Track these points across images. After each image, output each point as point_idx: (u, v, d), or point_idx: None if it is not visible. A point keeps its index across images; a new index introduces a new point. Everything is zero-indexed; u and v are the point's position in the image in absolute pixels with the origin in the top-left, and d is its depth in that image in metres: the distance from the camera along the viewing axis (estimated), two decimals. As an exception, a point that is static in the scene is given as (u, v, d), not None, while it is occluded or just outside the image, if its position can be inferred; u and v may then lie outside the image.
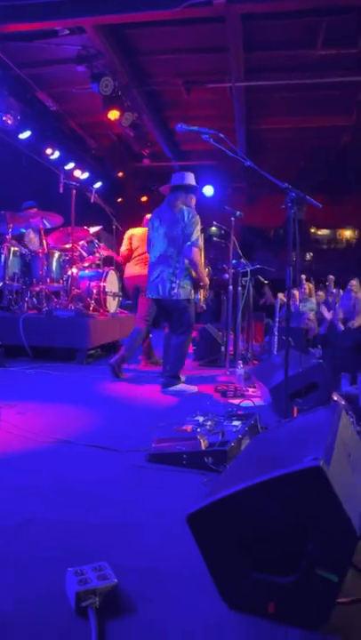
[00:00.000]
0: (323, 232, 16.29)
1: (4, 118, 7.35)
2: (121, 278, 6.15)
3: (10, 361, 5.07)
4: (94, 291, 6.07)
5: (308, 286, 8.74)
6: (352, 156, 10.76)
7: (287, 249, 2.82)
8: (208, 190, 9.88)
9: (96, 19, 5.95)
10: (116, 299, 6.58)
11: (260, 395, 3.78)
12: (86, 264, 6.45)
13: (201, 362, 5.72)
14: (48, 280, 5.99)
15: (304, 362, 3.30)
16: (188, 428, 2.63)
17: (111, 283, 6.34)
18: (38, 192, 7.97)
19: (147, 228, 5.20)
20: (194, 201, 4.06)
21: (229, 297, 5.24)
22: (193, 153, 11.41)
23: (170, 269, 3.90)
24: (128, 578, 1.31)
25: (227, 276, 5.45)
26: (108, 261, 7.07)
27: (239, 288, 5.47)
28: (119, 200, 12.53)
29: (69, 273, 6.02)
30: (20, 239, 6.27)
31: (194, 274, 3.93)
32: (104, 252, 6.68)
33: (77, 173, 9.89)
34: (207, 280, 4.22)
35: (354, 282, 7.79)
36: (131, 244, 5.23)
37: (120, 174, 11.81)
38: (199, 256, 3.92)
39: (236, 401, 3.62)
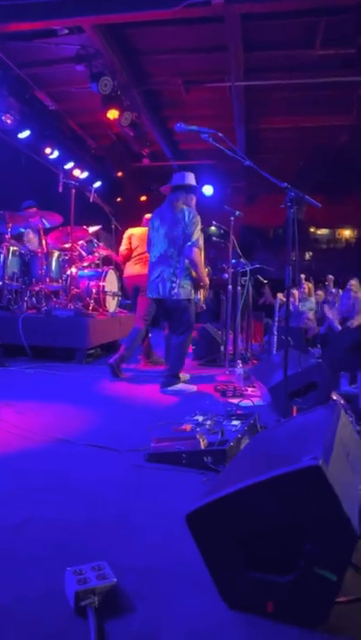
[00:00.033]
0: (322, 232, 16.30)
1: (3, 118, 7.35)
2: (120, 278, 6.15)
3: (9, 360, 5.07)
4: (93, 290, 6.07)
5: (308, 286, 8.74)
6: (351, 155, 10.77)
7: (286, 248, 2.83)
8: (207, 190, 9.88)
9: (95, 18, 5.95)
10: (116, 298, 6.58)
11: (259, 394, 3.78)
12: (85, 263, 6.45)
13: (200, 361, 5.72)
14: (47, 280, 5.99)
15: (303, 361, 3.30)
16: (188, 427, 2.63)
17: (110, 282, 6.34)
18: (37, 191, 7.96)
19: (146, 228, 5.20)
20: (194, 201, 4.07)
21: (229, 296, 5.24)
22: (192, 152, 11.41)
23: (170, 269, 3.90)
24: (127, 577, 1.31)
25: (226, 275, 5.45)
26: (107, 261, 7.07)
27: (238, 288, 5.48)
28: (118, 199, 12.53)
29: (69, 272, 6.01)
30: (19, 239, 6.27)
31: (194, 274, 3.94)
32: (103, 252, 6.68)
33: (77, 173, 9.89)
34: (207, 280, 4.22)
35: (353, 281, 7.80)
36: (130, 243, 5.22)
37: (119, 174, 11.81)
38: (200, 256, 3.92)
39: (235, 400, 3.62)
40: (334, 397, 3.03)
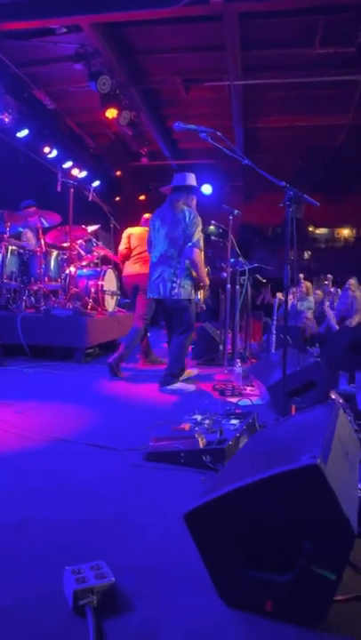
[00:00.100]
0: (321, 231, 16.32)
1: (1, 117, 7.34)
2: (119, 277, 6.15)
3: (8, 360, 5.07)
4: (92, 289, 6.06)
5: (307, 285, 8.74)
6: (350, 155, 10.77)
7: (285, 247, 2.83)
8: (206, 189, 9.87)
9: (94, 17, 5.94)
10: (115, 297, 6.58)
11: (258, 393, 3.78)
12: (84, 263, 6.45)
13: (199, 360, 5.72)
14: (46, 279, 5.99)
15: (302, 360, 3.30)
16: (186, 426, 2.63)
17: (109, 281, 6.34)
18: (36, 191, 7.95)
19: (145, 228, 5.23)
20: (195, 202, 4.09)
21: (227, 295, 5.24)
22: (191, 152, 11.41)
23: (171, 270, 3.92)
24: (126, 576, 1.31)
25: (225, 274, 5.46)
26: (106, 260, 7.06)
27: (237, 287, 5.48)
28: (117, 199, 12.52)
29: (67, 272, 6.01)
30: (17, 238, 6.26)
31: (194, 274, 3.95)
32: (101, 252, 6.68)
33: (75, 172, 9.88)
34: (207, 280, 4.24)
35: (352, 280, 7.79)
36: (129, 242, 5.22)
37: (118, 173, 11.80)
38: (200, 257, 3.93)
39: (234, 399, 3.62)
40: (333, 396, 3.03)
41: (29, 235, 6.40)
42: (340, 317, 7.58)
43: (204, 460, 2.16)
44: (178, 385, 3.96)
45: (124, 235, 5.31)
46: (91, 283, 6.09)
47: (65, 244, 6.30)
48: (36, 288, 5.93)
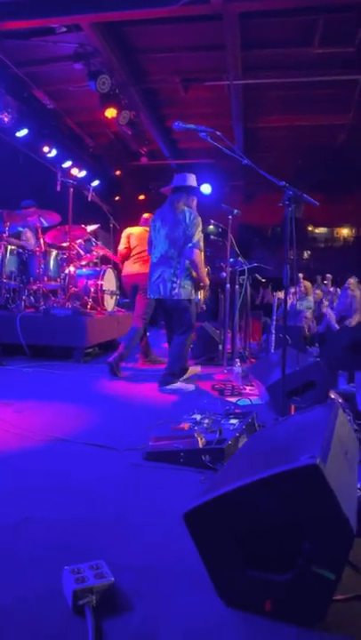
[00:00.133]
0: (320, 230, 16.33)
1: (0, 116, 7.33)
2: (118, 277, 6.14)
3: (7, 359, 5.06)
4: (92, 289, 6.06)
5: (306, 285, 8.75)
6: (350, 154, 10.78)
7: (284, 247, 2.83)
8: (205, 189, 9.87)
9: (93, 16, 5.94)
10: (114, 297, 6.57)
11: (257, 393, 3.78)
12: (84, 262, 6.44)
13: (198, 360, 5.72)
14: (45, 278, 5.99)
15: (301, 360, 3.30)
16: (186, 426, 2.63)
17: (109, 281, 6.34)
18: (35, 190, 7.95)
19: (144, 228, 5.23)
20: (195, 202, 4.10)
21: (227, 295, 5.24)
22: (190, 151, 11.41)
23: (171, 270, 3.93)
24: (125, 576, 1.31)
25: (224, 274, 5.45)
26: (105, 260, 7.06)
27: (236, 286, 5.47)
28: (116, 198, 12.52)
29: (67, 271, 6.01)
30: (16, 237, 6.26)
31: (195, 274, 3.96)
32: (101, 252, 6.67)
33: (75, 171, 9.88)
34: (208, 281, 4.25)
35: (351, 280, 7.80)
36: (129, 242, 5.22)
37: (117, 172, 11.80)
38: (200, 257, 3.95)
39: (233, 399, 3.62)
40: (332, 396, 3.03)
41: (29, 234, 6.39)
42: (340, 317, 7.59)
43: (204, 460, 2.16)
44: (177, 384, 3.96)
45: (124, 234, 5.31)
46: (90, 282, 6.09)
47: (64, 244, 6.29)
48: (35, 288, 5.93)
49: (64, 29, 6.45)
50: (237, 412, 2.91)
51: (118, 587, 1.26)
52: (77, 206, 6.14)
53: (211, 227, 6.02)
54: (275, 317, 6.12)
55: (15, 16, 5.78)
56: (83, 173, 10.14)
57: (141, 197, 12.75)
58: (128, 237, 5.24)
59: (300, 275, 8.80)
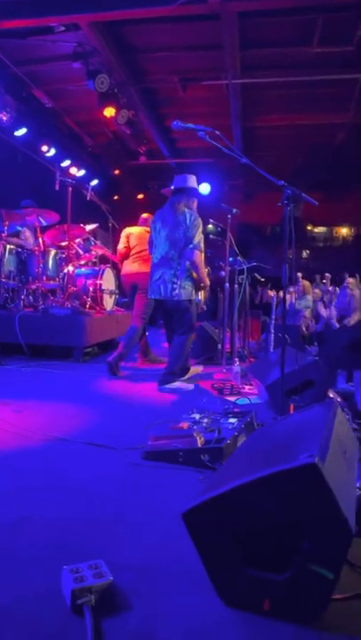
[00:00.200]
0: (319, 230, 16.33)
1: (-1, 115, 7.33)
2: (118, 276, 6.14)
3: (6, 359, 5.06)
4: (91, 288, 6.06)
5: (305, 284, 8.75)
6: (349, 153, 10.77)
7: (283, 246, 2.83)
8: (204, 188, 9.86)
9: (92, 15, 5.93)
10: (113, 296, 6.57)
11: (256, 392, 3.79)
12: (82, 262, 6.44)
13: (197, 359, 5.72)
14: (44, 278, 5.98)
15: (300, 359, 3.30)
16: (185, 425, 2.63)
17: (108, 280, 6.34)
18: (34, 189, 7.95)
19: (144, 227, 5.25)
20: (196, 204, 4.13)
21: (226, 294, 5.24)
22: (189, 150, 11.40)
23: (171, 271, 3.96)
24: (124, 575, 1.31)
25: (223, 273, 5.45)
26: (104, 259, 7.06)
27: (235, 285, 5.48)
28: (115, 198, 12.52)
29: (66, 271, 6.01)
30: (15, 237, 6.25)
31: (195, 275, 3.98)
32: (99, 251, 6.67)
33: (73, 171, 9.87)
34: (208, 281, 4.27)
35: (351, 279, 7.81)
36: (128, 242, 5.22)
37: (116, 172, 11.79)
38: (200, 258, 3.97)
39: (232, 398, 3.62)
40: (331, 395, 3.03)
41: (27, 233, 6.39)
42: (340, 316, 7.59)
43: (203, 459, 2.16)
44: (177, 384, 3.97)
45: (123, 234, 5.31)
46: (89, 282, 6.09)
47: (63, 243, 6.29)
48: (34, 287, 5.92)
49: (63, 29, 6.44)
50: (236, 412, 2.91)
51: (117, 586, 1.26)
52: (76, 205, 6.14)
53: (210, 226, 6.01)
54: (274, 317, 6.12)
55: (14, 15, 5.77)
56: (81, 173, 10.14)
57: (140, 197, 12.74)
58: (127, 237, 5.24)
59: (299, 274, 8.80)
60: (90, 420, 3.00)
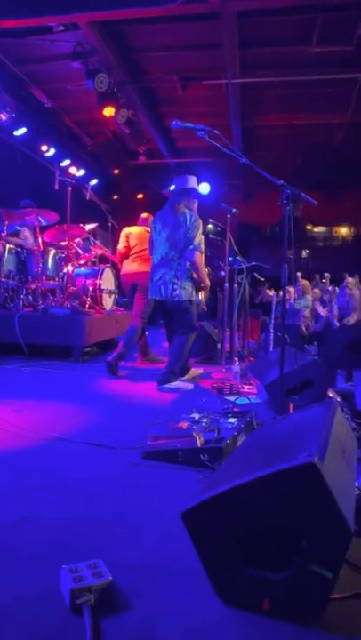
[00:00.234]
0: (319, 229, 16.31)
1: (-2, 115, 7.32)
2: (117, 276, 6.14)
3: (5, 359, 5.06)
4: (90, 288, 6.06)
5: (304, 283, 8.75)
6: (348, 153, 10.77)
7: (282, 246, 2.83)
8: (203, 188, 9.84)
9: (91, 15, 5.92)
10: (112, 296, 6.57)
11: (255, 391, 3.79)
12: (82, 261, 6.44)
13: (197, 359, 5.72)
14: (44, 278, 5.98)
15: (300, 359, 3.30)
16: (184, 425, 2.63)
17: (107, 280, 6.34)
18: (34, 189, 7.94)
19: (143, 227, 5.25)
20: (196, 205, 4.15)
21: (225, 294, 5.24)
22: (189, 150, 11.40)
23: (172, 272, 3.98)
24: (123, 575, 1.31)
25: (223, 273, 5.45)
26: (103, 259, 7.05)
27: (235, 285, 5.48)
28: (115, 197, 12.51)
29: (65, 270, 6.00)
30: (15, 236, 6.25)
31: (195, 276, 3.99)
32: (99, 251, 6.67)
33: (73, 170, 9.86)
34: (208, 282, 4.29)
35: (350, 279, 7.81)
36: (128, 241, 5.23)
37: (116, 171, 11.78)
38: (201, 259, 3.99)
39: (231, 398, 3.62)
40: (330, 395, 3.03)
41: (27, 233, 6.38)
42: (340, 315, 7.59)
43: (202, 459, 2.16)
44: (176, 383, 3.97)
45: (123, 234, 5.31)
46: (88, 281, 6.09)
47: (63, 243, 6.28)
48: (33, 287, 5.92)
49: (62, 28, 6.43)
50: (236, 411, 2.91)
51: (116, 586, 1.26)
52: (76, 205, 6.14)
53: (209, 226, 6.01)
54: (273, 316, 6.12)
55: (13, 14, 5.76)
56: (81, 172, 10.13)
57: (140, 196, 12.73)
58: (127, 237, 5.24)
59: (299, 273, 8.80)
60: (89, 419, 3.00)
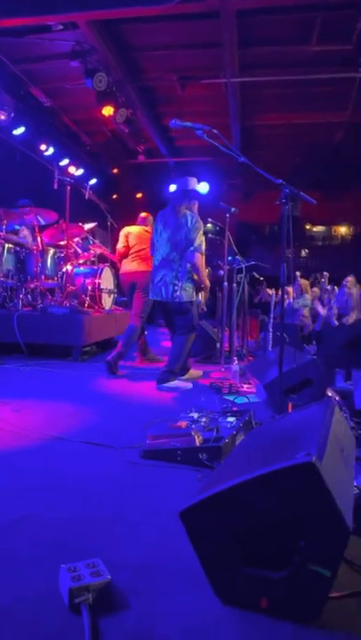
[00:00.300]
0: (318, 229, 16.31)
1: (-3, 114, 7.31)
2: (116, 275, 6.14)
3: (4, 358, 5.06)
4: (89, 287, 6.06)
5: (303, 283, 8.74)
6: (347, 152, 10.76)
7: (281, 245, 2.83)
8: (203, 187, 9.83)
9: (90, 14, 5.91)
10: (111, 295, 6.57)
11: (254, 391, 3.79)
12: (81, 261, 6.43)
13: (196, 358, 5.72)
14: (43, 277, 5.98)
15: (298, 358, 3.31)
16: (183, 424, 2.63)
17: (106, 279, 6.34)
18: (33, 188, 7.93)
19: (143, 226, 5.25)
20: (197, 206, 4.16)
21: (224, 293, 5.24)
22: (188, 149, 11.39)
23: (172, 273, 3.99)
24: (122, 574, 1.31)
25: (221, 272, 5.45)
26: (102, 258, 7.05)
27: (234, 285, 5.47)
28: (114, 197, 12.49)
29: (64, 270, 6.00)
30: (14, 236, 6.24)
31: (196, 277, 4.00)
32: (98, 250, 6.66)
33: (72, 170, 9.85)
34: (208, 283, 4.30)
35: (350, 278, 7.81)
36: (127, 241, 5.23)
37: (115, 171, 11.77)
38: (202, 260, 3.99)
39: (230, 397, 3.62)
40: (329, 394, 3.04)
41: (26, 232, 6.38)
42: (338, 315, 7.59)
43: (201, 458, 2.16)
44: (175, 382, 3.98)
45: (122, 233, 5.31)
46: (88, 281, 6.08)
47: (62, 242, 6.28)
48: (32, 286, 5.92)
49: (60, 27, 6.42)
50: (235, 410, 2.91)
51: (115, 585, 1.26)
52: (75, 204, 6.13)
53: (209, 225, 6.01)
54: (272, 315, 6.12)
55: (12, 14, 5.75)
56: (80, 171, 10.12)
57: (139, 196, 12.72)
58: (126, 236, 5.24)
59: (298, 273, 8.80)
60: (88, 418, 3.00)
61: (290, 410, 2.79)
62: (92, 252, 6.57)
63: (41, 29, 6.48)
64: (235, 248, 5.38)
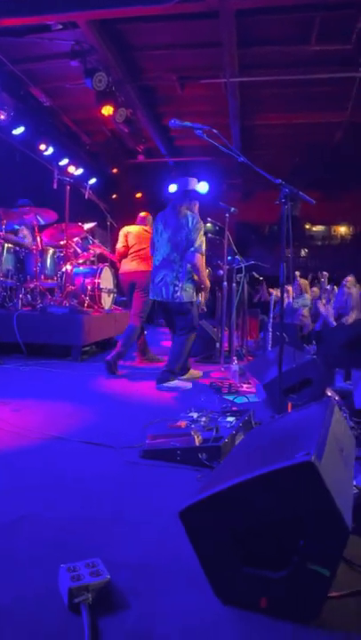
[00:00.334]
0: (318, 228, 16.33)
1: (-3, 114, 7.31)
2: (116, 275, 6.14)
3: (4, 358, 5.06)
4: (89, 287, 6.06)
5: (303, 282, 8.75)
6: (347, 152, 10.77)
7: (281, 245, 2.83)
8: (203, 187, 9.82)
9: (89, 13, 5.91)
10: (111, 295, 6.57)
11: (254, 390, 3.79)
12: (81, 260, 6.43)
13: (196, 358, 5.72)
14: (42, 277, 5.98)
15: (298, 358, 3.31)
16: (183, 424, 2.63)
17: (106, 279, 6.33)
18: (32, 188, 7.93)
19: (142, 226, 5.25)
20: (197, 207, 4.16)
21: (224, 293, 5.24)
22: (188, 149, 11.39)
23: (173, 273, 3.99)
24: (121, 574, 1.31)
25: (221, 272, 5.45)
26: (102, 258, 7.05)
27: (234, 284, 5.47)
28: (114, 196, 12.49)
29: (64, 269, 6.00)
30: (13, 235, 6.24)
31: (196, 277, 4.01)
32: (97, 250, 6.66)
33: (72, 169, 9.85)
34: (208, 283, 4.30)
35: (350, 278, 7.81)
36: (127, 240, 5.23)
37: (114, 170, 11.77)
38: (202, 261, 4.00)
39: (230, 397, 3.62)
40: (329, 394, 3.04)
41: (25, 232, 6.37)
42: (338, 314, 7.60)
43: (200, 458, 2.16)
44: (175, 382, 3.98)
45: (122, 233, 5.31)
46: (87, 280, 6.08)
47: (61, 242, 6.28)
48: (32, 286, 5.92)
49: (60, 27, 6.42)
50: (234, 410, 2.91)
51: (114, 585, 1.26)
52: (74, 204, 6.13)
53: (208, 225, 6.01)
54: (272, 315, 6.12)
55: (12, 13, 5.74)
56: (79, 171, 10.11)
57: (139, 195, 12.72)
58: (126, 236, 5.24)
59: (297, 272, 8.80)
60: (88, 418, 3.00)
61: (289, 410, 2.79)
62: (91, 251, 6.57)
63: (41, 29, 6.48)
64: (234, 248, 5.39)
